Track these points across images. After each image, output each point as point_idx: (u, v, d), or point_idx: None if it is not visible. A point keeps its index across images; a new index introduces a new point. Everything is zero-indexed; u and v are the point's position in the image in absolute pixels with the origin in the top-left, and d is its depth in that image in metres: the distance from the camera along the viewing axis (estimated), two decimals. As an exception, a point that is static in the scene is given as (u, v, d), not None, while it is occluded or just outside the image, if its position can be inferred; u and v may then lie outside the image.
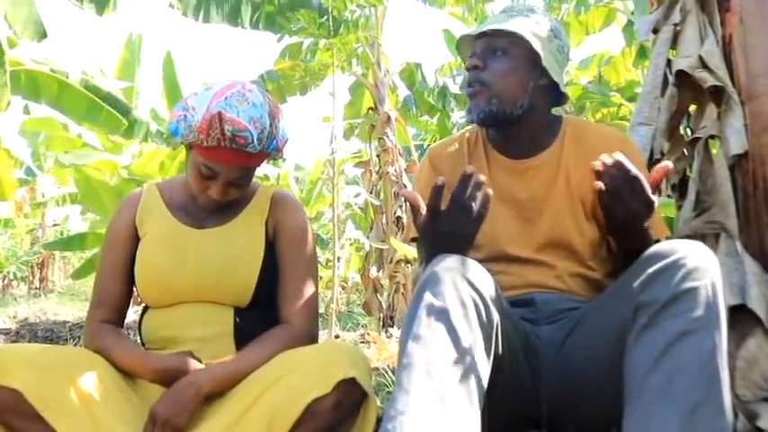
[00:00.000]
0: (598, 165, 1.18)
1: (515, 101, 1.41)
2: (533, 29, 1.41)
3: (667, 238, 1.41)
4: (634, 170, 1.16)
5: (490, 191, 1.20)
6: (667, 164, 1.19)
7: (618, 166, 1.16)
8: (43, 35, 4.71)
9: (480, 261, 1.17)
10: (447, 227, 1.19)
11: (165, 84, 7.85)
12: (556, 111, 1.61)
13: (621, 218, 1.20)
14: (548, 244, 1.41)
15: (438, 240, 1.20)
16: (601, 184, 1.18)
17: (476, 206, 1.18)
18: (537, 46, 1.39)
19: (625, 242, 1.31)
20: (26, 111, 10.85)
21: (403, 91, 7.55)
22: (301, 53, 6.37)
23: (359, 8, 5.78)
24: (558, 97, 1.49)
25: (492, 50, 1.42)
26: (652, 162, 1.82)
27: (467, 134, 1.58)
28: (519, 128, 1.46)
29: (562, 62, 1.47)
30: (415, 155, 7.60)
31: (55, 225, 14.65)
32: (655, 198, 1.18)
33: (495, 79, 1.40)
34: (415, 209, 1.24)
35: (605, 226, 1.29)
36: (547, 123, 1.49)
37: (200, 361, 1.32)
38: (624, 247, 1.33)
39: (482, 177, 1.19)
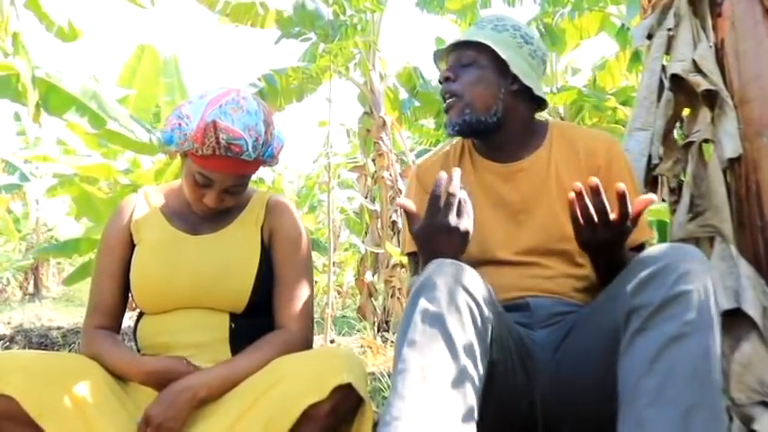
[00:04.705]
0: (576, 189, 1.16)
1: (488, 108, 1.44)
2: (500, 37, 1.45)
3: (659, 241, 1.41)
4: (607, 204, 1.15)
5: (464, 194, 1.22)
6: (651, 196, 1.17)
7: (595, 191, 1.15)
8: (75, 36, 4.75)
9: (472, 266, 1.17)
10: (447, 221, 1.19)
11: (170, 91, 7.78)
12: (546, 115, 1.62)
13: (591, 241, 1.21)
14: (539, 245, 1.41)
15: (438, 239, 1.19)
16: (572, 196, 1.17)
17: (465, 197, 1.21)
18: (503, 53, 1.43)
19: (598, 259, 1.30)
20: (17, 117, 10.80)
21: (402, 95, 7.51)
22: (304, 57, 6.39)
23: (357, 13, 5.79)
24: (537, 102, 1.51)
25: (461, 63, 1.47)
26: (650, 167, 1.83)
27: (453, 144, 1.60)
28: (500, 135, 1.48)
29: (536, 67, 1.49)
30: (412, 158, 7.57)
31: (49, 231, 14.60)
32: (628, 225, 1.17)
33: (465, 89, 1.45)
34: (410, 216, 1.25)
35: (578, 244, 1.27)
36: (529, 128, 1.51)
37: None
38: (597, 264, 1.32)
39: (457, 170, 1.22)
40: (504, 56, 1.42)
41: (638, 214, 1.16)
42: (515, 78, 1.45)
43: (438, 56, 1.56)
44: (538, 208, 1.44)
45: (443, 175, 1.21)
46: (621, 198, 1.12)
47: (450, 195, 1.19)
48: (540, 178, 1.46)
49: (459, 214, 1.21)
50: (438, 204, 1.20)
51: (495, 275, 1.37)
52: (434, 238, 1.20)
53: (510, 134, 1.48)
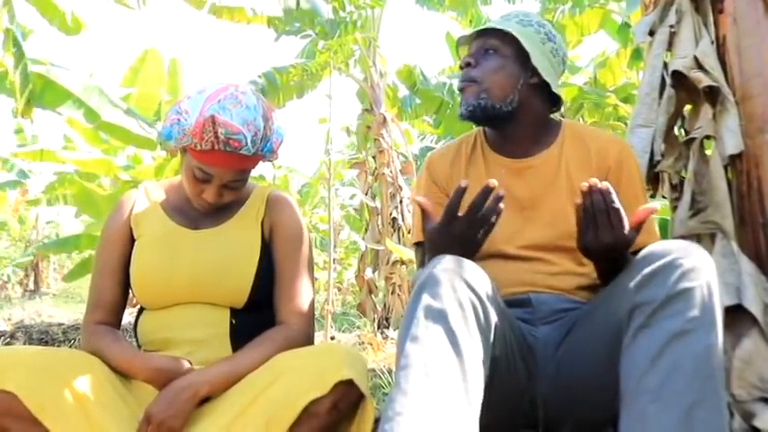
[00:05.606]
0: (586, 185, 1.16)
1: (505, 96, 1.44)
2: (525, 31, 1.46)
3: (660, 238, 1.41)
4: (617, 204, 1.15)
5: (502, 205, 1.20)
6: (654, 205, 1.17)
7: (605, 192, 1.15)
8: (78, 28, 4.74)
9: (475, 259, 1.17)
10: (462, 231, 1.19)
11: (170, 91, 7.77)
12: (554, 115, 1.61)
13: (591, 243, 1.20)
14: (545, 241, 1.42)
15: (450, 244, 1.19)
16: (579, 201, 1.18)
17: (493, 217, 1.20)
18: (526, 45, 1.43)
19: (600, 265, 1.30)
20: (15, 113, 10.77)
21: (402, 92, 7.49)
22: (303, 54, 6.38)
23: (357, 9, 5.78)
24: (553, 100, 1.51)
25: (484, 50, 1.48)
26: (653, 164, 1.83)
27: (465, 139, 1.59)
28: (513, 126, 1.48)
29: (557, 65, 1.49)
30: (412, 155, 7.56)
31: (49, 222, 14.62)
32: (631, 234, 1.17)
33: (484, 75, 1.45)
34: (425, 214, 1.24)
35: (580, 250, 1.26)
36: (543, 123, 1.51)
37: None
38: (600, 269, 1.31)
39: (502, 192, 1.19)
40: (527, 47, 1.43)
41: (641, 222, 1.16)
42: (535, 72, 1.45)
43: (461, 42, 1.57)
44: (546, 204, 1.44)
45: (463, 184, 1.19)
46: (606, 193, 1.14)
47: (473, 207, 1.18)
48: (550, 176, 1.46)
49: (475, 226, 1.20)
50: (454, 212, 1.19)
51: (499, 269, 1.37)
52: (448, 242, 1.20)
53: (522, 127, 1.49)
